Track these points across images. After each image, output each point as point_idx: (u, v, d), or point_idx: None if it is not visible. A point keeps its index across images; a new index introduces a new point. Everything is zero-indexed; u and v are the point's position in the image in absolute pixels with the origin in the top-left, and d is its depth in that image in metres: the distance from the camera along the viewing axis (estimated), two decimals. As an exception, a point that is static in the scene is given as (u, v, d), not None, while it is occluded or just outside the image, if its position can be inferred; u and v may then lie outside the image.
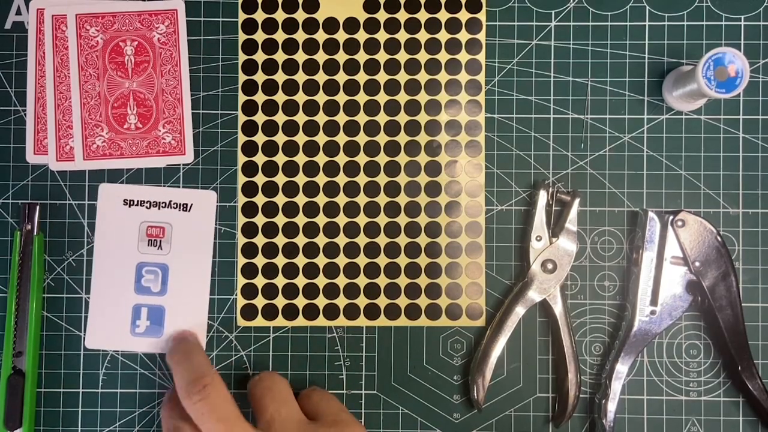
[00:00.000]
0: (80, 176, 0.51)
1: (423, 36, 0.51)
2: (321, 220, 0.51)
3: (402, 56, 0.51)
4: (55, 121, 0.49)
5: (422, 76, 0.51)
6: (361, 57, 0.51)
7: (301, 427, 0.45)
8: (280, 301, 0.51)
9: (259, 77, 0.51)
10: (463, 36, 0.51)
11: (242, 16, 0.51)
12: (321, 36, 0.51)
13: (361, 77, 0.51)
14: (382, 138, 0.51)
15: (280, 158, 0.51)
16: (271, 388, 0.46)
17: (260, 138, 0.51)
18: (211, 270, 0.51)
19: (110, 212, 0.50)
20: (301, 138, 0.51)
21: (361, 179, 0.51)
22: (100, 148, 0.49)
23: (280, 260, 0.51)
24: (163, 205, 0.50)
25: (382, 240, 0.51)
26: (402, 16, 0.51)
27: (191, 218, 0.50)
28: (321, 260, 0.51)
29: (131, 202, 0.50)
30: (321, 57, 0.51)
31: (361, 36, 0.51)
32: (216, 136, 0.51)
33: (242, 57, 0.51)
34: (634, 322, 0.48)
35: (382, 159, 0.51)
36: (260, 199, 0.51)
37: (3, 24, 0.51)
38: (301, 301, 0.51)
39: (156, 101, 0.49)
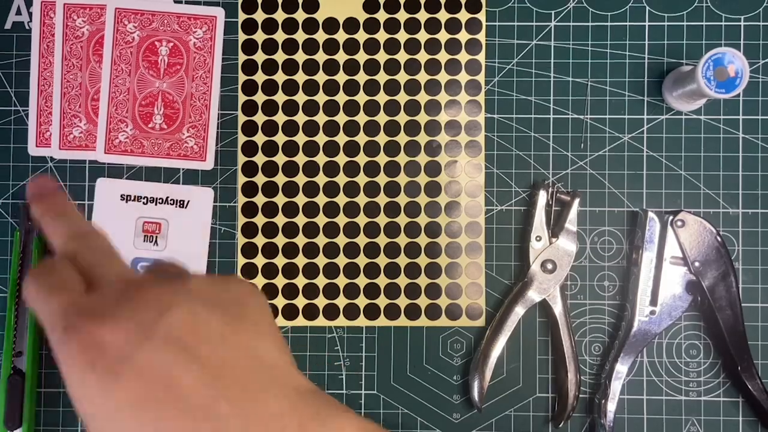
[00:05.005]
0: (81, 176, 0.51)
1: (423, 36, 0.51)
2: (321, 220, 0.51)
3: (402, 56, 0.51)
4: (60, 110, 0.49)
5: (422, 76, 0.51)
6: (361, 57, 0.51)
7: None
8: (280, 301, 0.51)
9: (259, 77, 0.51)
10: (463, 36, 0.51)
11: (242, 16, 0.51)
12: (321, 36, 0.51)
13: (361, 77, 0.51)
14: (382, 138, 0.51)
15: (280, 158, 0.51)
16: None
17: (260, 138, 0.51)
18: (208, 269, 0.51)
19: (107, 207, 0.50)
20: (301, 138, 0.51)
21: (361, 179, 0.51)
22: (122, 144, 0.49)
23: (280, 260, 0.51)
24: (160, 201, 0.50)
25: (382, 240, 0.51)
26: (402, 16, 0.51)
27: (188, 215, 0.50)
28: (321, 260, 0.51)
29: (128, 198, 0.50)
30: (321, 57, 0.51)
31: (361, 36, 0.51)
32: (216, 136, 0.51)
33: (242, 57, 0.51)
34: (633, 322, 0.48)
35: (382, 159, 0.51)
36: (260, 199, 0.51)
37: (3, 24, 0.51)
38: (301, 301, 0.51)
39: (184, 104, 0.49)
